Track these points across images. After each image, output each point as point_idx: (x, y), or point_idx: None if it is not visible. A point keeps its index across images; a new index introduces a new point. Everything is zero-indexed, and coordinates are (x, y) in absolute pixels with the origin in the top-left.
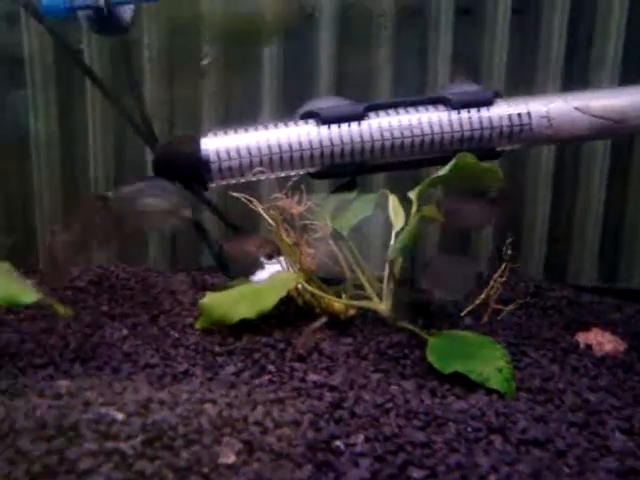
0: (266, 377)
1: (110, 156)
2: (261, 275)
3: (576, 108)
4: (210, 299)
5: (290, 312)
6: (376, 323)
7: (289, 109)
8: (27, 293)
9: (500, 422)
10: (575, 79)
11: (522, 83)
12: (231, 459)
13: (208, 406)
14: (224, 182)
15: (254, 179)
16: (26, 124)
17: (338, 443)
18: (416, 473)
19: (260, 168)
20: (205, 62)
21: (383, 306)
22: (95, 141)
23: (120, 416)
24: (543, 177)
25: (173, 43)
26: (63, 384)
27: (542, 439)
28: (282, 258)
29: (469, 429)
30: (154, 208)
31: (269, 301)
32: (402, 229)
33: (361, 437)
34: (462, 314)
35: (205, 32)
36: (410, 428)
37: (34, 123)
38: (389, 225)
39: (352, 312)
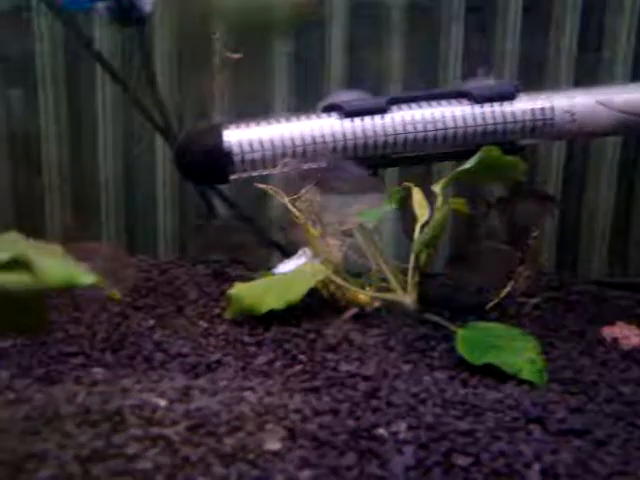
0: (298, 367)
1: (119, 154)
2: (285, 267)
3: (599, 103)
4: (238, 289)
5: (315, 303)
6: (401, 315)
7: (300, 103)
8: (85, 275)
9: (537, 412)
10: (587, 76)
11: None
12: (276, 446)
13: (248, 394)
14: (245, 175)
15: (276, 172)
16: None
17: (381, 431)
18: (461, 460)
19: (288, 159)
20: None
21: (408, 298)
22: (105, 139)
23: (162, 402)
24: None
25: (184, 35)
26: (98, 372)
27: (581, 429)
28: (307, 250)
29: (507, 418)
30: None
31: (298, 292)
32: (427, 222)
33: (403, 425)
34: (487, 307)
35: (218, 24)
36: (449, 417)
37: (45, 122)
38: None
39: (377, 304)
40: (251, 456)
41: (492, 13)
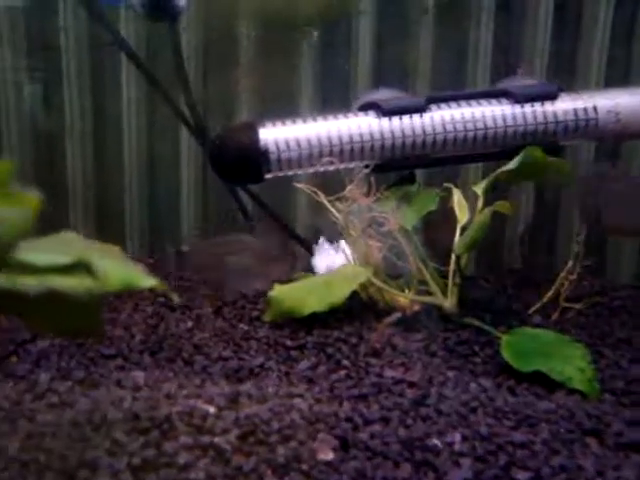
0: (342, 372)
1: (143, 148)
2: (319, 260)
3: None
4: (279, 291)
5: (355, 306)
6: (441, 319)
7: (327, 101)
8: (145, 278)
9: (592, 424)
10: (618, 74)
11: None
12: (329, 456)
13: (297, 401)
14: (281, 174)
15: (312, 171)
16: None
17: (435, 441)
18: (520, 475)
19: (329, 158)
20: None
21: (448, 302)
22: (130, 134)
23: (212, 409)
24: None
25: (211, 30)
26: (139, 375)
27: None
28: (342, 243)
29: (562, 430)
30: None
31: (340, 294)
32: (468, 224)
33: (458, 436)
34: (530, 312)
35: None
36: (503, 427)
37: (69, 114)
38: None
39: (416, 307)
40: (305, 467)
41: (522, 9)
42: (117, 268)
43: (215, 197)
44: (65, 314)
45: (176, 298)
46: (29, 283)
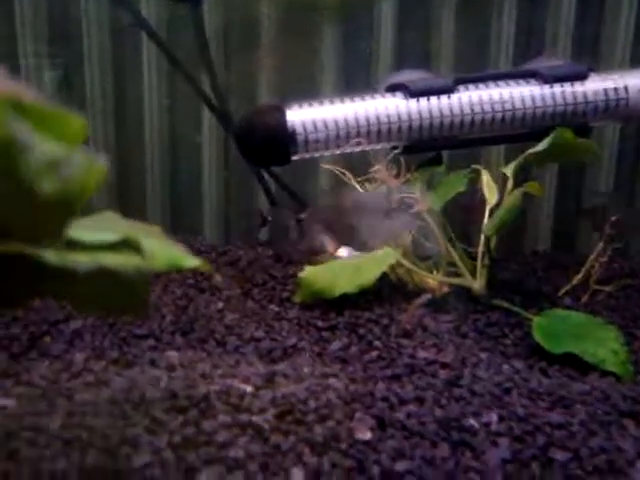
0: (374, 353)
1: (165, 129)
2: (345, 252)
3: None
4: (310, 273)
5: (384, 288)
6: (470, 301)
7: (349, 83)
8: (189, 258)
9: (629, 406)
10: None
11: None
12: (367, 435)
13: (333, 381)
14: (308, 155)
15: (339, 152)
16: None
17: (471, 421)
18: (559, 455)
19: (356, 139)
20: None
21: (477, 284)
22: (151, 117)
23: (249, 389)
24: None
25: (232, 11)
26: (172, 355)
27: None
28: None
29: (599, 412)
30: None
31: (370, 276)
32: (497, 205)
33: (494, 416)
34: (560, 294)
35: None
36: (539, 409)
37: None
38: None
39: (445, 289)
40: (343, 446)
41: None
42: (162, 247)
43: (237, 179)
44: (113, 292)
45: (219, 278)
46: (80, 260)
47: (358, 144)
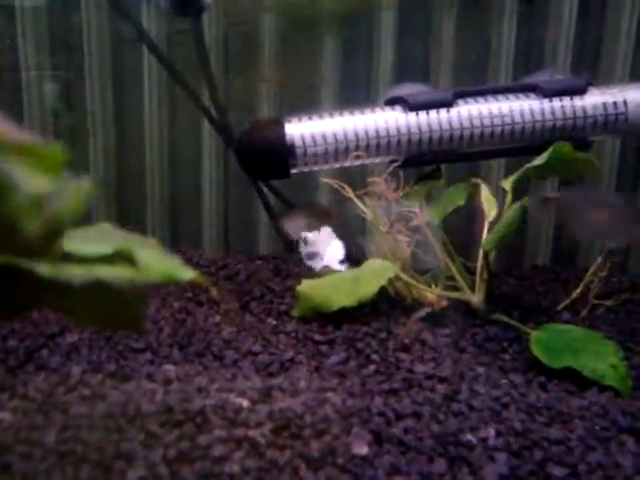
0: (372, 367)
1: (165, 145)
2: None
3: None
4: (307, 286)
5: (382, 301)
6: (469, 315)
7: (348, 96)
8: (185, 270)
9: (628, 422)
10: None
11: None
12: (364, 450)
13: (330, 395)
14: (307, 169)
15: (338, 165)
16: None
17: (469, 436)
18: (557, 471)
19: (355, 153)
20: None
21: (476, 298)
22: (151, 130)
23: (245, 403)
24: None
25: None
26: (169, 369)
27: None
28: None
29: (597, 427)
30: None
31: (369, 289)
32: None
33: (492, 431)
34: (559, 308)
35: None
36: (537, 423)
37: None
38: None
39: (444, 303)
40: (340, 461)
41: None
42: (157, 259)
43: (237, 192)
44: (107, 305)
45: (214, 292)
46: (75, 272)
47: (357, 158)
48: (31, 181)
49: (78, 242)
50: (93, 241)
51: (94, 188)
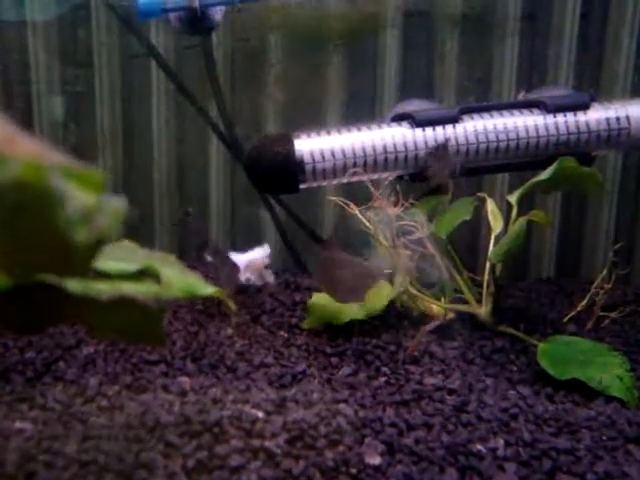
0: (383, 379)
1: (173, 161)
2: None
3: None
4: (318, 299)
5: (390, 314)
6: (476, 327)
7: (353, 111)
8: (204, 286)
9: (635, 432)
10: None
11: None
12: (377, 460)
13: (342, 406)
14: (316, 184)
15: (346, 181)
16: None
17: (479, 447)
18: None
19: (356, 169)
20: None
21: (483, 311)
22: (160, 147)
23: (260, 414)
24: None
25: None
26: (184, 381)
27: None
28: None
29: (604, 437)
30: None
31: (379, 302)
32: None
33: (501, 442)
34: (564, 320)
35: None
36: (545, 434)
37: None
38: None
39: (451, 315)
40: (353, 470)
41: (548, 19)
42: (178, 275)
43: (245, 206)
44: (131, 320)
45: (232, 306)
46: (103, 289)
47: (365, 173)
48: (83, 197)
49: (104, 259)
50: (117, 258)
51: (126, 213)
